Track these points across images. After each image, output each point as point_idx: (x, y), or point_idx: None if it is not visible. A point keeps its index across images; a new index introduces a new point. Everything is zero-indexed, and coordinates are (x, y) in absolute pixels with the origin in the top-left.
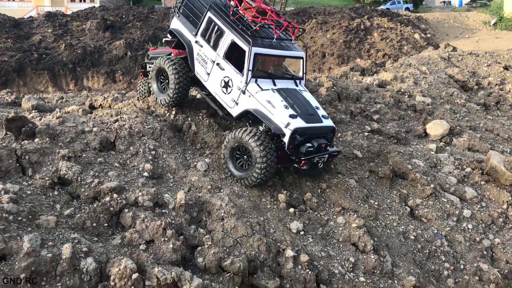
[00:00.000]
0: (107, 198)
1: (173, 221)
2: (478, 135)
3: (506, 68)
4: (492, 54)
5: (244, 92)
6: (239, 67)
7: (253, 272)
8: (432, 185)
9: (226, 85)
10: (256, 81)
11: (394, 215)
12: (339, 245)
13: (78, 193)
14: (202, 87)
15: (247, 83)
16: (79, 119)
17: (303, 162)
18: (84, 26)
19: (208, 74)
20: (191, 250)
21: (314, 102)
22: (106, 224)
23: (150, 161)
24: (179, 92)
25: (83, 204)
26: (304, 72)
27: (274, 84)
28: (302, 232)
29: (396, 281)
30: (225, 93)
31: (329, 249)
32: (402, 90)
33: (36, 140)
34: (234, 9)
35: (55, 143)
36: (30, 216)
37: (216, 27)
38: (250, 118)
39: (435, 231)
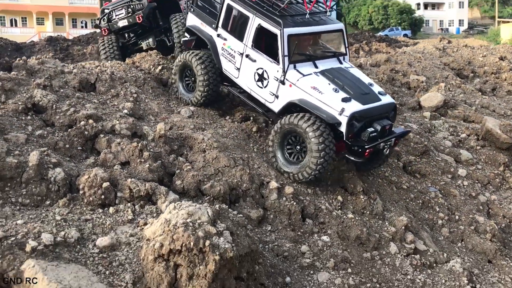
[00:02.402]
0: (82, 123)
1: (151, 150)
2: (473, 108)
3: (501, 58)
4: (488, 48)
5: (283, 82)
6: (272, 54)
7: (235, 201)
8: (425, 143)
9: (261, 77)
10: (294, 67)
11: (385, 168)
12: (327, 187)
13: (52, 120)
14: (231, 83)
15: (285, 72)
16: (59, 63)
17: (367, 151)
18: (85, 51)
19: (238, 69)
20: (169, 177)
21: (365, 79)
22: (80, 148)
23: (131, 102)
24: (208, 92)
25: (57, 131)
26: (347, 46)
27: (316, 66)
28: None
29: (387, 223)
30: (261, 87)
31: (316, 188)
32: (396, 69)
33: (12, 72)
34: None
35: (32, 78)
36: None
37: (238, 13)
38: (296, 111)
39: (429, 185)
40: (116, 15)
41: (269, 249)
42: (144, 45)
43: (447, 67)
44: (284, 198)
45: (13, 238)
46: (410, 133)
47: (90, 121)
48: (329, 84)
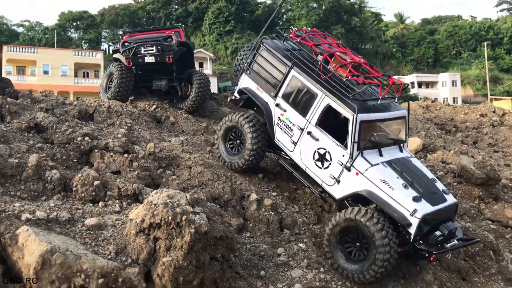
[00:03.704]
0: (79, 139)
1: (141, 164)
2: (451, 152)
3: (482, 115)
4: (469, 106)
5: (349, 169)
6: (338, 137)
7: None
8: None
9: (322, 158)
10: (362, 154)
11: None
12: (305, 205)
13: (52, 139)
14: (276, 149)
15: (353, 158)
16: (61, 98)
17: (433, 256)
18: None
19: (294, 143)
20: (155, 186)
21: (428, 173)
22: (76, 160)
23: (125, 129)
24: (257, 154)
25: (56, 147)
26: (407, 133)
27: (381, 154)
28: (270, 191)
29: None
30: (320, 168)
31: (294, 205)
32: None
33: (18, 100)
34: (329, 67)
35: (36, 105)
36: (2, 139)
37: (304, 88)
38: (358, 200)
39: None
40: (144, 50)
41: (246, 249)
42: (155, 85)
43: (429, 122)
44: (263, 209)
45: (10, 212)
46: None
47: (87, 138)
48: (398, 178)
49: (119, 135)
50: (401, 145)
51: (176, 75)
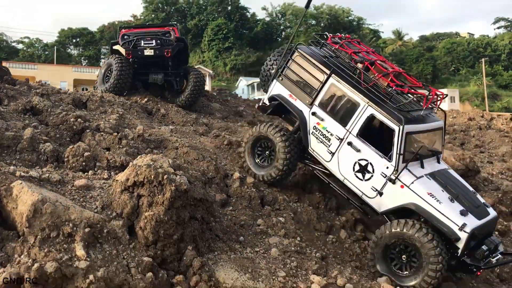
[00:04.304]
0: (72, 120)
1: (129, 143)
2: None
3: (470, 119)
4: (458, 111)
5: (394, 182)
6: (381, 148)
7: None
8: None
9: (363, 169)
10: (406, 166)
11: None
12: (286, 186)
13: (47, 121)
14: (306, 159)
15: (398, 171)
16: (56, 88)
17: (481, 271)
18: None
19: (332, 153)
20: None
21: (468, 185)
22: (69, 139)
23: (117, 117)
24: (291, 164)
25: (50, 128)
26: (443, 144)
27: (422, 166)
28: None
29: (338, 217)
30: (360, 179)
31: (275, 187)
32: None
33: (16, 86)
34: (372, 76)
35: (32, 91)
36: (0, 117)
37: (344, 96)
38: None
39: None
40: (144, 43)
41: (227, 219)
42: (151, 79)
43: None
44: (246, 187)
45: (5, 170)
46: None
47: (79, 119)
48: (443, 191)
49: (111, 120)
50: (438, 156)
51: (171, 69)
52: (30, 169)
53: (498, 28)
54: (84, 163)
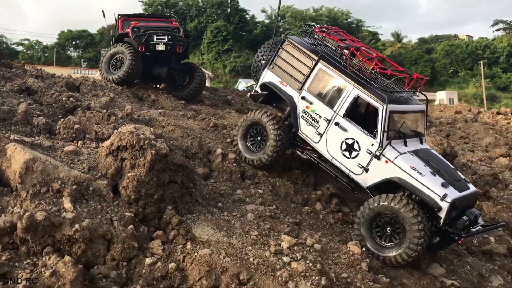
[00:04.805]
0: (64, 99)
1: (118, 121)
2: None
3: (457, 112)
4: (446, 105)
5: (378, 158)
6: (367, 127)
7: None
8: None
9: (350, 148)
10: (390, 143)
11: None
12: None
13: (41, 100)
14: (296, 146)
15: (383, 147)
16: (50, 73)
17: (461, 240)
18: None
19: (320, 134)
20: None
21: (449, 164)
22: (61, 116)
23: (108, 99)
24: (280, 151)
25: (44, 107)
26: (425, 127)
27: (406, 145)
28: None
29: (314, 192)
30: (347, 158)
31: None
32: None
33: (12, 69)
34: (356, 60)
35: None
36: None
37: (332, 80)
38: (382, 187)
39: None
40: (157, 38)
41: (208, 189)
42: (155, 71)
43: None
44: (227, 162)
45: (1, 134)
46: None
47: (71, 99)
48: (425, 166)
49: (101, 101)
50: (421, 138)
51: (173, 64)
52: (23, 137)
53: (497, 30)
54: (74, 135)
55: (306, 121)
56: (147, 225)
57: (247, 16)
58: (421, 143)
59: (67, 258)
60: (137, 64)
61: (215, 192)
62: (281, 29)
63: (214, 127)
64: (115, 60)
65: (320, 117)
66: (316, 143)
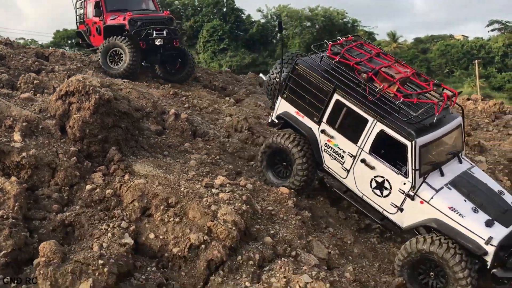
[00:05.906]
0: (30, 62)
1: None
2: None
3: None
4: None
5: (412, 198)
6: (396, 163)
7: (138, 119)
8: None
9: (380, 186)
10: (424, 180)
11: None
12: (221, 126)
13: (9, 65)
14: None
15: (415, 187)
16: (22, 44)
17: None
18: None
19: (347, 170)
20: None
21: (493, 184)
22: None
23: (74, 67)
24: (308, 179)
25: (10, 69)
26: (463, 140)
27: (442, 174)
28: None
29: None
30: (379, 196)
31: (210, 125)
32: None
33: None
34: (377, 89)
35: None
36: None
37: (351, 113)
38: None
39: None
40: (156, 33)
41: (158, 141)
42: (149, 60)
43: None
44: (180, 121)
45: None
46: None
47: (37, 63)
48: (465, 201)
49: (66, 66)
50: (459, 155)
51: (165, 51)
52: None
53: (492, 30)
54: (34, 89)
55: (330, 155)
56: (92, 161)
57: (243, 15)
58: (460, 161)
59: (13, 178)
60: (137, 58)
61: (163, 144)
62: (276, 29)
63: (174, 94)
64: (112, 54)
65: (344, 152)
66: (344, 178)
